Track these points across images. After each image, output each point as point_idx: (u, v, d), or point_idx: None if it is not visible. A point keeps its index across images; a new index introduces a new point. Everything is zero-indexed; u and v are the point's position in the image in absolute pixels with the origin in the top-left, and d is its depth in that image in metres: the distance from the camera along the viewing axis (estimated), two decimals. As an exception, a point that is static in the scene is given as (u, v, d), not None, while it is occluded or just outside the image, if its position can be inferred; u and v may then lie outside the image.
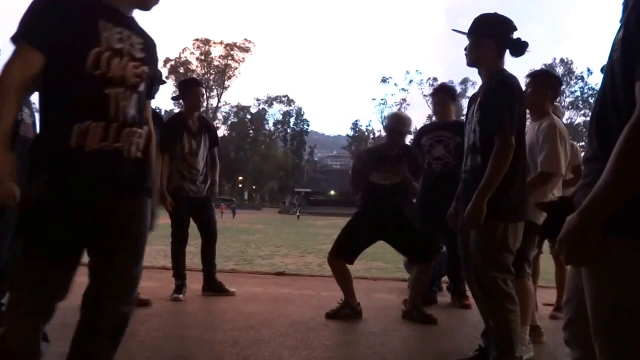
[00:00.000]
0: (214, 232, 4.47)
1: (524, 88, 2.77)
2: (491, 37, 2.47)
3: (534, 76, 3.24)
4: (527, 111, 3.10)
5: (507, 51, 2.50)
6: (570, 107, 55.46)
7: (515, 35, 2.52)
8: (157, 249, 8.32)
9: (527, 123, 3.18)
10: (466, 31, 2.54)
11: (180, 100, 4.59)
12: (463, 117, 3.19)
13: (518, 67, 2.82)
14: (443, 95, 4.63)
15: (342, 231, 4.02)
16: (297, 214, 36.01)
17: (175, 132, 4.17)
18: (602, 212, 0.98)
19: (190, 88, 4.43)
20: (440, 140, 4.25)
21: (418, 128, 5.00)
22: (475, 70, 2.57)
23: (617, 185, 0.96)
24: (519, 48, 2.51)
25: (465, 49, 2.55)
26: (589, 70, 54.73)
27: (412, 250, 3.92)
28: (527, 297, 2.83)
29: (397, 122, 3.99)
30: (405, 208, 3.96)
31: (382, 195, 3.90)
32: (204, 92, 4.51)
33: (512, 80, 2.43)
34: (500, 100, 2.36)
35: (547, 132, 2.93)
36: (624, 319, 1.03)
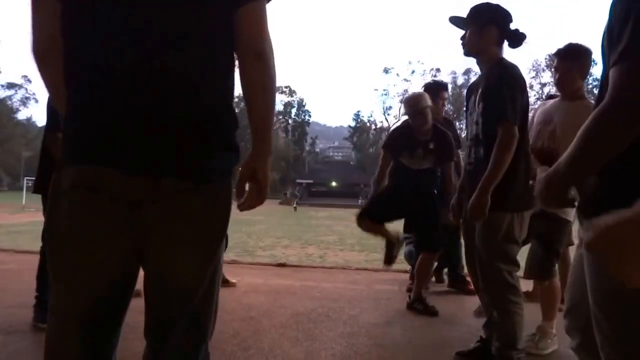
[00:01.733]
0: None
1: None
2: (494, 24, 2.43)
3: (558, 54, 3.10)
4: (557, 91, 3.09)
5: (505, 43, 2.47)
6: (573, 98, 55.11)
7: (512, 26, 2.48)
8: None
9: (554, 101, 3.14)
10: (462, 22, 2.51)
11: None
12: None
13: (522, 59, 2.80)
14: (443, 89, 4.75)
15: (370, 199, 4.11)
16: (294, 205, 35.64)
17: None
18: (572, 177, 1.11)
19: None
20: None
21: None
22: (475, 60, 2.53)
23: (577, 162, 1.06)
24: (517, 39, 2.47)
25: (463, 38, 2.51)
26: (593, 61, 54.36)
27: (426, 237, 3.88)
28: (554, 294, 2.89)
29: (411, 104, 3.91)
30: (435, 195, 3.93)
31: (410, 178, 3.89)
32: None
33: (513, 69, 2.40)
34: (502, 89, 2.32)
35: None
36: (622, 305, 1.05)
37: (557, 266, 2.96)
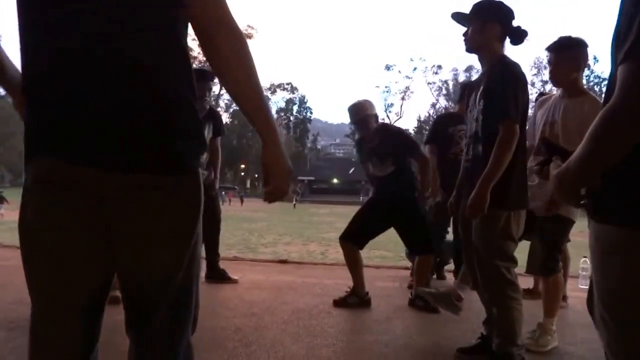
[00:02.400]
0: (218, 221, 4.46)
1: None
2: (497, 20, 2.43)
3: (551, 48, 3.02)
4: (557, 88, 3.06)
5: (507, 40, 2.47)
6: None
7: (515, 23, 2.48)
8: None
9: (554, 98, 3.08)
10: (464, 19, 2.50)
11: None
12: None
13: (523, 56, 2.79)
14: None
15: (354, 215, 4.00)
16: (294, 202, 35.48)
17: None
18: (582, 177, 1.10)
19: (200, 80, 4.31)
20: (462, 134, 4.27)
21: (436, 115, 4.99)
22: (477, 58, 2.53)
23: (586, 162, 1.06)
24: (519, 36, 2.47)
25: (465, 35, 2.51)
26: (595, 58, 54.31)
27: (414, 242, 3.91)
28: (557, 290, 2.90)
29: (354, 113, 3.92)
30: (414, 196, 3.87)
31: (381, 186, 3.90)
32: (212, 86, 4.41)
33: (515, 67, 2.39)
34: (504, 87, 2.32)
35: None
36: (628, 305, 1.06)
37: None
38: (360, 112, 3.88)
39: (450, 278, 5.06)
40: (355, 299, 3.77)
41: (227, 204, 25.91)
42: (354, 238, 3.85)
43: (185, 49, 1.14)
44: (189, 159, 1.15)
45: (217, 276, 4.46)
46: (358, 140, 4.20)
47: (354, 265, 3.84)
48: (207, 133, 4.31)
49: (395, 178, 3.82)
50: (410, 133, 4.04)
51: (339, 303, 3.75)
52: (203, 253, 4.58)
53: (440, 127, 4.57)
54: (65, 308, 1.13)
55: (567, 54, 2.91)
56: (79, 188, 1.07)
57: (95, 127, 1.04)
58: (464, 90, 4.25)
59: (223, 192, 35.41)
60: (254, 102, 1.19)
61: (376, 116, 4.02)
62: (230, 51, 1.15)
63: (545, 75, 53.37)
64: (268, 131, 1.21)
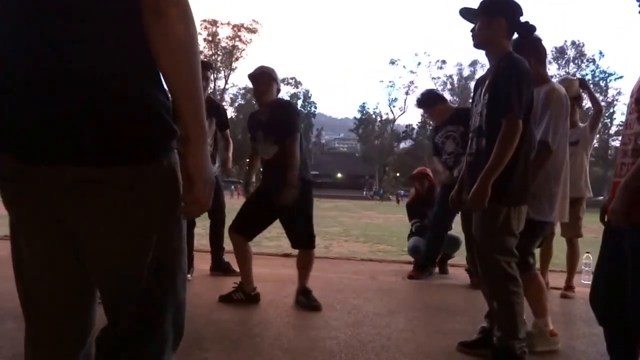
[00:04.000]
0: (223, 213, 4.50)
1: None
2: (504, 16, 2.44)
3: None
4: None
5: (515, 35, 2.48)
6: (581, 90, 54.74)
7: (522, 19, 2.50)
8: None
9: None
10: (472, 14, 2.51)
11: None
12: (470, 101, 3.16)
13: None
14: (425, 105, 4.75)
15: (242, 205, 3.66)
16: None
17: None
18: None
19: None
20: (449, 135, 4.34)
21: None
22: (484, 54, 2.54)
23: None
24: (526, 31, 2.49)
25: (472, 30, 2.52)
26: (600, 52, 54.04)
27: (294, 236, 3.58)
28: (538, 289, 2.77)
29: (252, 72, 3.62)
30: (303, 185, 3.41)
31: (269, 172, 3.57)
32: (211, 75, 4.44)
33: (521, 62, 2.41)
34: (509, 82, 2.33)
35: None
36: None
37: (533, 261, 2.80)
38: (261, 71, 3.60)
39: (452, 272, 5.10)
40: (240, 295, 3.55)
41: (236, 197, 25.94)
42: (242, 230, 3.53)
43: (138, 31, 0.99)
44: (148, 148, 1.01)
45: (222, 269, 4.49)
46: (252, 113, 3.86)
47: (243, 258, 3.56)
48: (210, 127, 4.32)
49: (281, 164, 3.38)
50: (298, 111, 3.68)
51: (223, 298, 3.55)
52: (207, 246, 4.62)
53: (433, 140, 4.72)
54: (48, 308, 1.10)
55: (528, 51, 2.80)
56: (30, 183, 1.00)
57: (38, 121, 0.95)
58: None
59: (232, 186, 35.43)
60: (184, 92, 1.02)
61: (278, 86, 3.67)
62: (179, 30, 0.99)
63: (550, 70, 53.09)
64: (198, 133, 1.04)
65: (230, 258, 4.66)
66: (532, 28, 2.49)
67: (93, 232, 1.01)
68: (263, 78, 3.58)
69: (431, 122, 5.08)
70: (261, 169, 3.72)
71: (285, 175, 3.30)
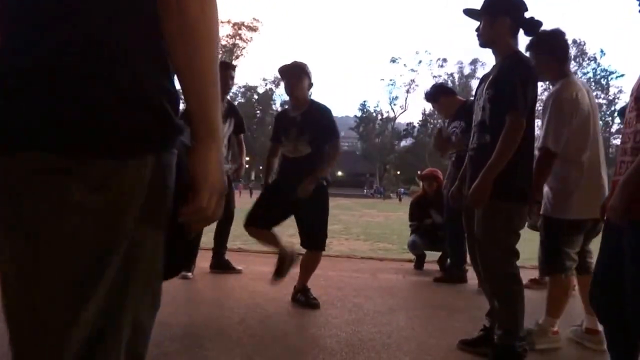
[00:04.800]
0: (232, 213, 4.47)
1: None
2: (507, 15, 2.43)
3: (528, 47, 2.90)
4: None
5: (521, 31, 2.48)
6: (582, 88, 54.60)
7: (527, 15, 2.49)
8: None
9: None
10: (476, 14, 2.51)
11: None
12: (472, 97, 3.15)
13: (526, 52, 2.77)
14: (430, 99, 4.71)
15: (255, 202, 3.64)
16: None
17: None
18: None
19: (220, 71, 4.27)
20: (453, 131, 4.29)
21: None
22: (485, 51, 2.54)
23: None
24: (533, 27, 2.49)
25: (477, 30, 2.52)
26: (601, 51, 53.93)
27: (308, 235, 3.56)
28: (560, 291, 2.79)
29: (282, 66, 3.62)
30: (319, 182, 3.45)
31: (292, 171, 3.51)
32: (234, 74, 4.40)
33: (527, 61, 2.42)
34: (514, 79, 2.33)
35: None
36: None
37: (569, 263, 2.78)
38: (290, 67, 3.57)
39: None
40: (287, 262, 3.46)
41: (238, 195, 26.09)
42: (259, 224, 3.51)
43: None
44: (127, 139, 0.81)
45: (222, 266, 4.49)
46: (282, 111, 3.82)
47: (272, 239, 3.51)
48: (228, 128, 4.32)
49: (308, 164, 3.44)
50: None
51: (277, 274, 3.47)
52: (207, 244, 4.62)
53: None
54: None
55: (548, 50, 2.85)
56: None
57: None
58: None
59: (234, 185, 35.61)
60: (204, 85, 0.88)
61: (310, 80, 3.66)
62: (198, 12, 0.85)
63: (552, 68, 52.94)
64: (207, 132, 0.89)
65: (229, 256, 4.67)
66: (538, 23, 2.48)
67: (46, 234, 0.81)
68: (293, 71, 3.57)
69: (438, 119, 5.03)
70: (279, 166, 3.70)
71: (315, 171, 3.34)
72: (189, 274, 4.16)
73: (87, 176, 0.78)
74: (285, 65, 3.63)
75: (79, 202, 0.78)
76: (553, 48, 2.83)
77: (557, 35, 2.87)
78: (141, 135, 0.82)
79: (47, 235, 0.78)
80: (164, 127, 0.86)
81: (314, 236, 3.52)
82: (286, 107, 3.88)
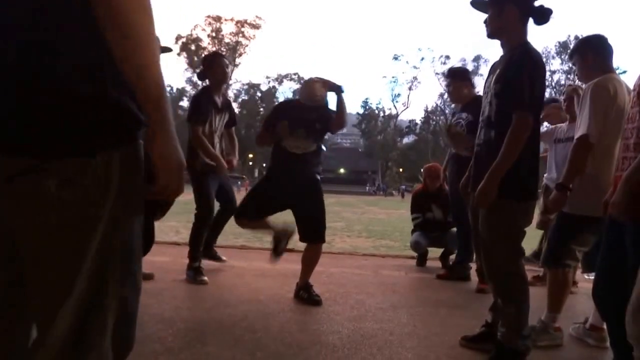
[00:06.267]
0: (234, 206, 4.43)
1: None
2: (514, 3, 2.36)
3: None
4: None
5: (531, 21, 2.40)
6: (583, 85, 54.39)
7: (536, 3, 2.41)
8: (169, 226, 8.44)
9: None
10: (484, 5, 2.47)
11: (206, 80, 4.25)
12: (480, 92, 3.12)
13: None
14: (451, 79, 4.60)
15: (248, 194, 3.70)
16: None
17: (207, 107, 4.06)
18: None
19: (214, 61, 4.24)
20: (457, 123, 4.25)
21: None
22: (488, 48, 2.52)
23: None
24: (543, 15, 2.39)
25: (486, 21, 2.45)
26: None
27: (307, 228, 3.58)
28: (560, 286, 2.81)
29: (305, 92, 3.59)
30: (318, 175, 3.60)
31: (294, 165, 3.55)
32: (228, 63, 4.37)
33: (536, 54, 2.34)
34: (522, 74, 2.26)
35: None
36: None
37: (570, 261, 2.84)
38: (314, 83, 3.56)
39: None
40: (282, 242, 3.72)
41: (243, 191, 26.12)
42: (249, 215, 3.56)
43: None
44: (95, 136, 0.88)
45: (209, 256, 4.48)
46: (290, 102, 3.96)
47: (264, 225, 3.65)
48: (223, 121, 4.29)
49: (311, 159, 3.57)
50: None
51: (275, 254, 3.72)
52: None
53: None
54: None
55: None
56: None
57: None
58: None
59: (238, 182, 35.56)
60: (137, 68, 0.87)
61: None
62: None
63: (554, 65, 52.86)
64: (163, 116, 0.92)
65: (231, 253, 4.69)
66: (548, 11, 2.38)
67: (29, 231, 0.88)
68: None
69: (440, 116, 4.99)
70: (280, 161, 3.65)
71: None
72: (205, 277, 3.96)
73: (59, 173, 0.85)
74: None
75: (55, 196, 0.84)
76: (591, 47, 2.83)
77: (597, 38, 2.86)
78: (102, 133, 0.88)
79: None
80: (125, 121, 0.92)
81: (313, 228, 3.55)
82: (297, 97, 3.79)
